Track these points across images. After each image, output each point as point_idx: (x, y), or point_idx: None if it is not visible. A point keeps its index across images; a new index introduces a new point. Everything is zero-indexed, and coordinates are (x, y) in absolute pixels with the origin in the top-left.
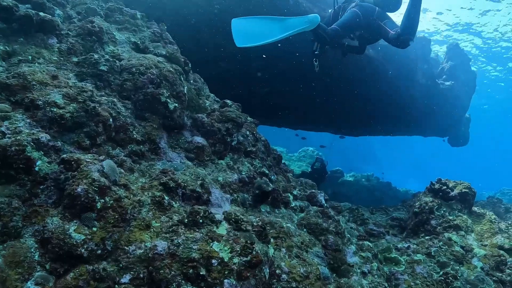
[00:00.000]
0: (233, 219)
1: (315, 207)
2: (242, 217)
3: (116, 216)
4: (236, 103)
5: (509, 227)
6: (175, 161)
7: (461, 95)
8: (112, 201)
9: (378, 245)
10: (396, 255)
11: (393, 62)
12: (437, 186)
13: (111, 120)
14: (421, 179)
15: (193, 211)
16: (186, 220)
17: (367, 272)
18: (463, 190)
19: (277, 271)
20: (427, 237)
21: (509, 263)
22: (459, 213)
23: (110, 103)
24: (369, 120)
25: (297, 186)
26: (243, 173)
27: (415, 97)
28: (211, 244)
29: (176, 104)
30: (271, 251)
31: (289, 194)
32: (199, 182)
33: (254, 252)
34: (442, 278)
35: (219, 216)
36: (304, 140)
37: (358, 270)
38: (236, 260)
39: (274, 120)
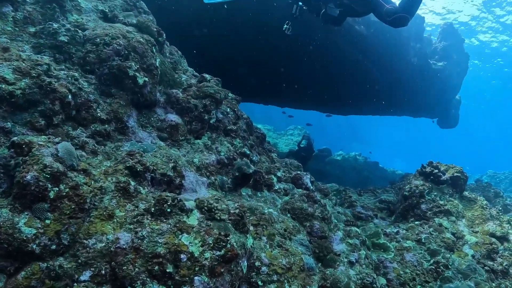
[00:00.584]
0: (205, 208)
1: (300, 190)
2: (216, 205)
3: (73, 206)
4: (215, 78)
5: (500, 213)
6: (145, 142)
7: (453, 76)
8: (67, 189)
9: (366, 229)
10: (385, 241)
11: (385, 40)
12: (428, 169)
13: (70, 96)
14: (408, 159)
15: (160, 199)
16: (153, 209)
17: (354, 261)
18: (455, 174)
19: (257, 263)
20: (417, 222)
21: (500, 252)
22: (450, 198)
23: (70, 78)
24: (359, 99)
25: (282, 167)
26: (222, 153)
27: (407, 77)
28: (180, 236)
29: (147, 79)
30: (249, 241)
31: (273, 176)
32: (171, 165)
33: (228, 245)
34: (433, 267)
35: (190, 204)
36: (292, 118)
37: (345, 259)
38: (208, 254)
39: (263, 97)
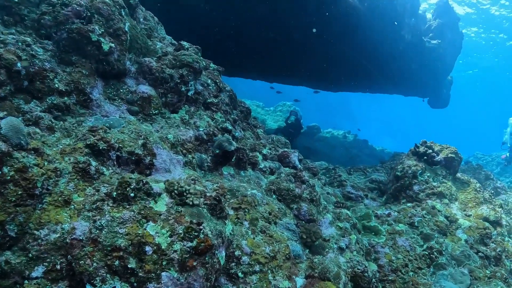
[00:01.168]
0: (176, 191)
1: (287, 169)
2: (188, 187)
3: (20, 192)
4: (195, 46)
5: (492, 197)
6: (112, 116)
7: (446, 56)
8: (13, 172)
9: (357, 211)
10: (376, 224)
11: (378, 13)
12: (421, 149)
13: (19, 64)
14: (397, 138)
15: (122, 182)
16: (115, 193)
17: (345, 247)
18: (449, 155)
19: (237, 253)
20: (409, 204)
21: (493, 237)
22: (444, 180)
23: (20, 43)
24: (350, 75)
25: (268, 144)
26: (201, 129)
27: (400, 54)
28: (145, 225)
29: (113, 45)
30: (228, 228)
31: (258, 154)
32: (140, 142)
33: (202, 235)
34: (426, 253)
35: (159, 187)
36: (280, 94)
37: (335, 245)
38: (177, 246)
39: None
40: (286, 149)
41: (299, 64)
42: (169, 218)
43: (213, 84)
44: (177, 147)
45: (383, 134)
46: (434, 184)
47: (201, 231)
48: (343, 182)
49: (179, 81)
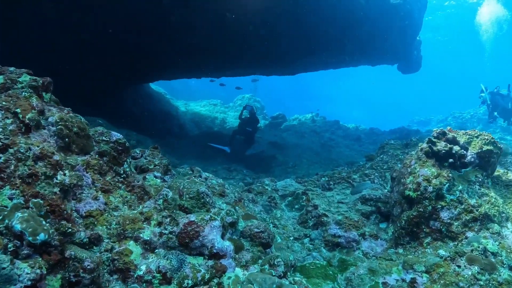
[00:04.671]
0: None
1: (199, 260)
2: None
3: None
4: None
5: None
6: None
7: (414, 13)
8: None
9: (353, 280)
10: None
11: None
12: (441, 146)
13: None
14: (364, 109)
15: None
16: None
17: None
18: (485, 148)
19: None
20: (442, 253)
21: None
22: (483, 190)
23: None
24: (306, 50)
25: (157, 211)
26: None
27: (361, 15)
28: None
29: None
30: None
31: (132, 243)
32: None
33: None
34: None
35: None
36: (240, 89)
37: None
38: None
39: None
40: (194, 219)
41: (242, 51)
42: None
43: None
44: None
45: (351, 108)
46: (472, 202)
47: None
48: (322, 218)
49: None
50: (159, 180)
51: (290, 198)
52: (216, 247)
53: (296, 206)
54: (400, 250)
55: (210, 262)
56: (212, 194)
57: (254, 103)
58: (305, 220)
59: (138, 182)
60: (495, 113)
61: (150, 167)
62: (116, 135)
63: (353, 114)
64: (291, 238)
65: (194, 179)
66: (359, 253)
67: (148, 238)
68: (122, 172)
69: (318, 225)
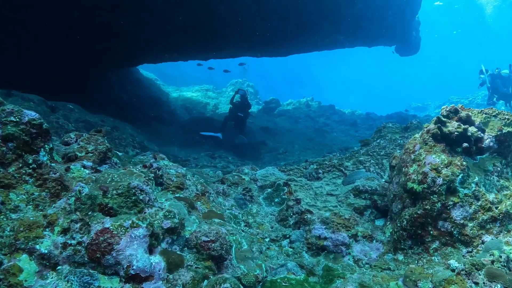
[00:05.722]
0: None
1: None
2: None
3: None
4: None
5: None
6: None
7: None
8: None
9: None
10: None
11: None
12: (452, 128)
13: None
14: (362, 94)
15: None
16: None
17: None
18: (505, 130)
19: None
20: (454, 264)
21: None
22: (502, 181)
23: None
24: (297, 29)
25: (65, 213)
26: None
27: None
28: None
29: None
30: None
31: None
32: None
33: None
34: None
35: None
36: (228, 72)
37: None
38: None
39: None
40: (109, 225)
41: (229, 29)
42: None
43: None
44: None
45: (347, 93)
46: (490, 197)
47: None
48: (306, 216)
49: None
50: (87, 171)
51: (269, 190)
52: (134, 266)
53: (276, 200)
54: (400, 257)
55: (128, 287)
56: (166, 187)
57: (247, 88)
58: (285, 217)
59: (55, 174)
60: (495, 98)
61: (80, 154)
62: (30, 115)
63: (350, 100)
64: (267, 239)
65: (131, 169)
66: (349, 259)
67: (46, 251)
68: (31, 161)
69: (300, 224)
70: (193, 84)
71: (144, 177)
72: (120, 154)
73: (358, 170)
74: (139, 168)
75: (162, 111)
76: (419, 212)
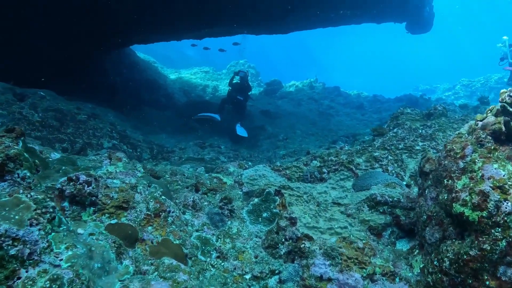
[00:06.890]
0: None
1: None
2: None
3: None
4: None
5: None
6: None
7: None
8: None
9: None
10: None
11: None
12: None
13: None
14: (368, 76)
15: None
16: None
17: None
18: None
19: None
20: None
21: None
22: None
23: None
24: (300, 3)
25: None
26: None
27: None
28: None
29: None
30: None
31: None
32: None
33: None
34: None
35: None
36: (224, 52)
37: None
38: None
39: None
40: None
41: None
42: None
43: None
44: None
45: (351, 74)
46: None
47: None
48: (303, 244)
49: None
50: None
51: (256, 200)
52: None
53: (265, 215)
54: None
55: None
56: (101, 209)
57: (248, 69)
58: (274, 243)
59: None
60: None
61: None
62: None
63: (354, 82)
64: (248, 276)
65: (19, 196)
66: None
67: None
68: None
69: (295, 255)
70: (193, 66)
71: (36, 210)
72: (58, 155)
73: (373, 170)
74: (60, 181)
75: (159, 95)
76: (471, 253)
